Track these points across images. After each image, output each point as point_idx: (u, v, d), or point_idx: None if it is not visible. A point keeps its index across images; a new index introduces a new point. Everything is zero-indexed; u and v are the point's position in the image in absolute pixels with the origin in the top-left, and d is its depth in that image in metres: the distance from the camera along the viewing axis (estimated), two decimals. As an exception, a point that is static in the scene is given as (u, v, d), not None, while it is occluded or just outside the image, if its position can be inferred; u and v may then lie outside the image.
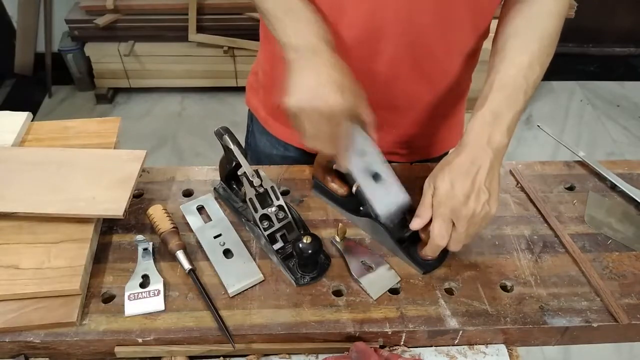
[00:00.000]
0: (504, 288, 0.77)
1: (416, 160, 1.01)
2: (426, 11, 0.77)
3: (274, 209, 0.78)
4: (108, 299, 0.74)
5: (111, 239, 0.82)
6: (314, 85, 0.68)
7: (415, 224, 0.74)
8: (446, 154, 1.09)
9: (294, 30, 0.72)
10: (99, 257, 0.79)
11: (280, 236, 0.79)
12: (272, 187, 0.79)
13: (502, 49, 0.77)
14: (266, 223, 0.78)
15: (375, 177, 0.79)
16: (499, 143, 0.71)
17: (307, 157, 1.01)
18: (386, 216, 0.79)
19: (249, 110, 1.11)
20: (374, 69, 0.85)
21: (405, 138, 1.00)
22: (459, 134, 1.07)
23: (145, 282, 0.75)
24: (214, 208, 0.87)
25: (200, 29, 2.61)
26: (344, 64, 0.71)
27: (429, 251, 0.74)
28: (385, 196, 0.79)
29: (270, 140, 1.06)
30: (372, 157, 0.79)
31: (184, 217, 0.85)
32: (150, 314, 0.72)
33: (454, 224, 0.71)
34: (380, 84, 0.87)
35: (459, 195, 0.70)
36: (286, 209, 0.79)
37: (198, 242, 0.82)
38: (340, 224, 0.80)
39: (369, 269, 0.78)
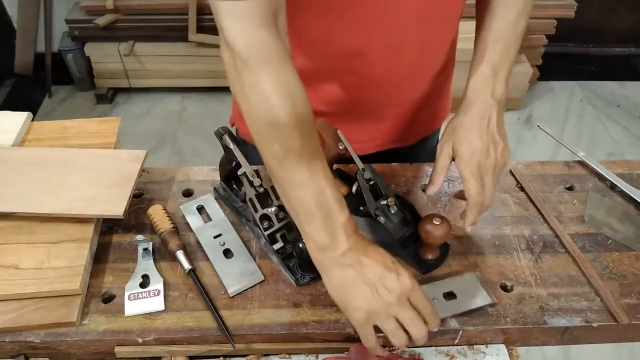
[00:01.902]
0: (504, 288, 0.77)
1: (418, 139, 1.04)
2: (410, 19, 0.78)
3: (274, 209, 0.78)
4: (108, 299, 0.74)
5: (111, 239, 0.82)
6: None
7: (430, 190, 0.78)
8: (438, 131, 1.10)
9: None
10: (99, 257, 0.79)
11: (280, 236, 0.79)
12: (272, 187, 0.79)
13: (490, 5, 0.80)
14: (266, 223, 0.78)
15: None
16: (501, 95, 0.76)
17: None
18: None
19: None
20: (364, 78, 0.85)
21: (400, 127, 1.00)
22: (448, 103, 1.08)
23: (145, 282, 0.75)
24: (214, 208, 0.87)
25: (200, 29, 2.61)
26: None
27: (472, 216, 0.73)
28: None
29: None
30: None
31: (184, 217, 0.85)
32: (150, 314, 0.72)
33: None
34: (373, 89, 0.87)
35: (481, 150, 0.73)
36: (286, 209, 0.79)
37: (198, 242, 0.82)
38: (340, 224, 0.80)
39: (369, 269, 0.78)
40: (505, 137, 0.76)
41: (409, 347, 0.69)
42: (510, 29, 0.78)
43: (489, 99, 0.75)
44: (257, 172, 0.78)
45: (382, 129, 0.98)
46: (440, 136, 0.77)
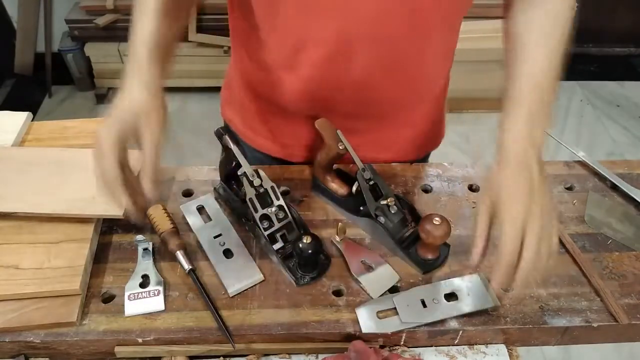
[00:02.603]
0: (504, 288, 0.77)
1: (397, 162, 0.98)
2: (397, 22, 0.75)
3: (274, 209, 0.78)
4: (108, 299, 0.74)
5: (111, 239, 0.82)
6: None
7: (475, 257, 0.66)
8: (429, 154, 1.08)
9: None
10: (99, 257, 0.79)
11: (280, 236, 0.79)
12: (272, 187, 0.79)
13: (522, 44, 0.73)
14: (266, 223, 0.78)
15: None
16: (540, 142, 0.67)
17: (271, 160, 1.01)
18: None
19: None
20: (344, 80, 0.83)
21: (386, 142, 0.97)
22: (440, 133, 1.05)
23: (145, 282, 0.75)
24: (214, 208, 0.87)
25: (200, 29, 2.61)
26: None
27: (498, 276, 0.63)
28: None
29: (249, 150, 1.03)
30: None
31: (184, 217, 0.85)
32: (150, 314, 0.72)
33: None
34: (354, 92, 0.85)
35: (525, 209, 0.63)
36: (286, 209, 0.79)
37: (198, 242, 0.82)
38: (340, 224, 0.80)
39: (368, 268, 0.78)
40: (552, 204, 0.65)
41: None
42: (545, 71, 0.70)
43: (528, 147, 0.65)
44: (257, 172, 0.78)
45: (364, 143, 0.92)
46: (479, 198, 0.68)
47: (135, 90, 0.67)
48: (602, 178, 0.95)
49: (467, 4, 0.82)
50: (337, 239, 0.81)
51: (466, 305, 0.73)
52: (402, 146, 0.99)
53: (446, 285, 0.75)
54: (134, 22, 0.71)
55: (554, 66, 0.71)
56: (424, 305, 0.72)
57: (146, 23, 0.70)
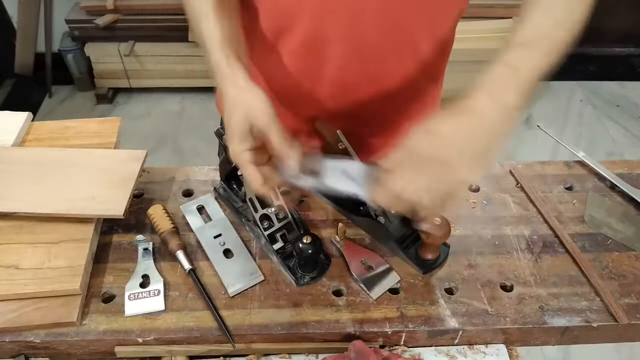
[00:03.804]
0: (504, 288, 0.77)
1: None
2: (371, 22, 0.74)
3: (274, 209, 0.78)
4: (108, 298, 0.74)
5: (111, 239, 0.82)
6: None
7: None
8: None
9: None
10: (99, 257, 0.79)
11: (280, 236, 0.79)
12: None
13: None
14: (266, 223, 0.78)
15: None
16: (512, 103, 0.59)
17: None
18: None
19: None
20: (322, 74, 0.82)
21: (376, 146, 0.95)
22: None
23: (145, 282, 0.75)
24: (214, 208, 0.87)
25: (200, 29, 2.60)
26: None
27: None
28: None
29: None
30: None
31: (184, 217, 0.85)
32: (150, 313, 0.72)
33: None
34: (333, 89, 0.84)
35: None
36: (286, 208, 0.79)
37: (198, 242, 0.82)
38: (340, 224, 0.80)
39: (369, 268, 0.78)
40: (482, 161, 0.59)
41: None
42: (547, 31, 0.64)
43: (494, 103, 0.58)
44: (257, 172, 0.78)
45: (364, 144, 0.91)
46: None
47: (231, 90, 0.69)
48: (602, 178, 0.95)
49: (454, 9, 0.79)
50: (337, 239, 0.81)
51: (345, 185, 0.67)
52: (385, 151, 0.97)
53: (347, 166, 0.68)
54: (197, 26, 0.72)
55: (557, 31, 0.65)
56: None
57: (211, 24, 0.71)
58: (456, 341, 0.74)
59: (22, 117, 0.96)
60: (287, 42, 0.80)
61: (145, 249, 0.79)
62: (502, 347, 0.75)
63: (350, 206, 0.86)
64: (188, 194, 0.90)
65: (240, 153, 0.64)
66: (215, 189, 0.89)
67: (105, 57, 2.69)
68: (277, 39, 0.81)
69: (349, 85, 0.84)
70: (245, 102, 0.65)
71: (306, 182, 0.67)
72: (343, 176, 0.68)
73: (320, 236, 0.78)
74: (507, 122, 0.59)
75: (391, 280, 0.77)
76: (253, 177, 0.64)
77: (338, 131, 0.82)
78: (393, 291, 0.76)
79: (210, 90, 2.85)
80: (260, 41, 0.84)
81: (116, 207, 0.78)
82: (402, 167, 0.60)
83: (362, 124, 0.92)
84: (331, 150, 0.82)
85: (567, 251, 0.82)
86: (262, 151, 0.66)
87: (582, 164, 0.98)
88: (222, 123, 1.06)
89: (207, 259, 0.79)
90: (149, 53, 2.69)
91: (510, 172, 0.96)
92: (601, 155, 2.59)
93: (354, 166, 0.68)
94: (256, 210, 0.77)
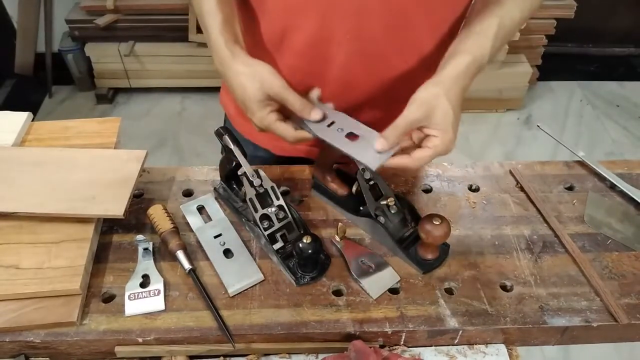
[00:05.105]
0: (504, 288, 0.77)
1: None
2: (376, 20, 0.75)
3: (274, 209, 0.78)
4: (108, 298, 0.74)
5: (111, 239, 0.82)
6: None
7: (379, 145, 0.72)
8: None
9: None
10: (99, 257, 0.79)
11: (280, 236, 0.79)
12: (272, 187, 0.79)
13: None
14: (266, 223, 0.78)
15: (350, 135, 0.74)
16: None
17: (275, 158, 1.01)
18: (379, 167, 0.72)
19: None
20: (326, 73, 0.83)
21: None
22: None
23: (145, 282, 0.75)
24: (214, 208, 0.87)
25: (200, 29, 2.60)
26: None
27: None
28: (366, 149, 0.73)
29: (241, 139, 1.02)
30: (339, 119, 0.75)
31: (184, 217, 0.85)
32: (150, 313, 0.72)
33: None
34: (337, 87, 0.84)
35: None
36: (286, 209, 0.79)
37: (198, 242, 0.82)
38: (340, 224, 0.80)
39: (369, 268, 0.78)
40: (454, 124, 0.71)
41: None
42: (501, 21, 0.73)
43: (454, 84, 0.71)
44: (257, 172, 0.78)
45: None
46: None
47: (240, 67, 0.73)
48: (602, 178, 0.95)
49: (458, 7, 0.80)
50: (337, 239, 0.81)
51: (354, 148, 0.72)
52: None
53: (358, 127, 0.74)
54: (202, 21, 0.79)
55: (517, 21, 0.75)
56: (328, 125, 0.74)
57: (214, 20, 0.77)
58: (456, 341, 0.74)
59: (22, 117, 0.96)
60: (292, 42, 0.81)
61: (146, 249, 0.79)
62: (502, 347, 0.75)
63: (350, 206, 0.86)
64: (188, 194, 0.90)
65: (266, 116, 0.72)
66: (215, 189, 0.89)
67: (105, 57, 2.69)
68: (282, 39, 0.81)
69: (352, 84, 0.85)
70: (258, 75, 0.71)
71: (325, 135, 0.73)
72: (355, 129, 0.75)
73: (320, 236, 0.78)
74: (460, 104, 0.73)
75: (391, 280, 0.77)
76: (286, 130, 0.72)
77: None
78: (393, 291, 0.76)
79: (210, 90, 2.85)
80: (261, 42, 0.84)
81: (116, 207, 0.78)
82: (445, 130, 0.71)
83: (364, 121, 0.92)
84: (331, 150, 0.82)
85: (567, 251, 0.82)
86: (281, 111, 0.73)
87: (582, 164, 0.98)
88: (225, 121, 1.07)
89: (207, 259, 0.79)
90: (149, 53, 2.69)
91: (510, 172, 0.96)
92: (601, 155, 2.59)
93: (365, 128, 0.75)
94: (256, 210, 0.77)
